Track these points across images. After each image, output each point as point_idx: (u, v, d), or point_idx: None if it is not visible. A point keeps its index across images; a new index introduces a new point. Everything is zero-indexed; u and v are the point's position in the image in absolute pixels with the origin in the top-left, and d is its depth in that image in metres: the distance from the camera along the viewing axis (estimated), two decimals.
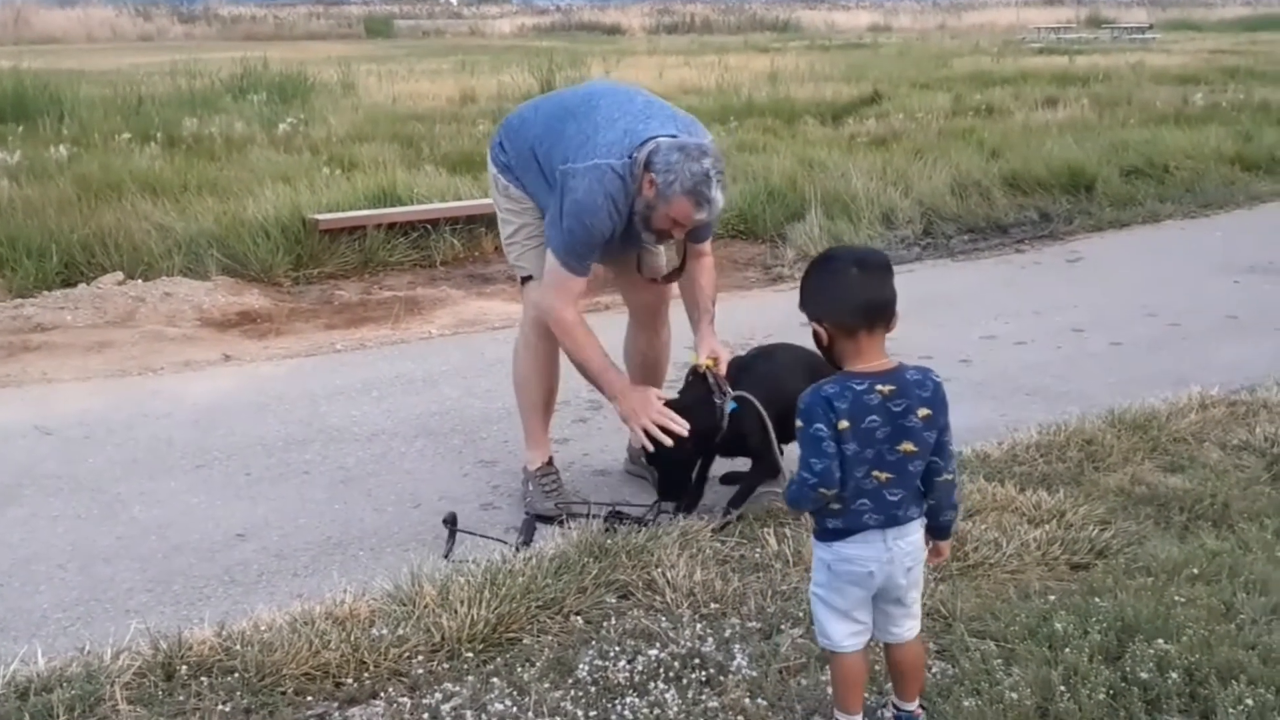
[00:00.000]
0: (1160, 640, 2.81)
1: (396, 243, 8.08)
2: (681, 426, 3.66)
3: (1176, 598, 3.08)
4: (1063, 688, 2.68)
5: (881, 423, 2.37)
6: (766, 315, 6.04)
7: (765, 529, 3.63)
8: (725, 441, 3.83)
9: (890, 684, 2.65)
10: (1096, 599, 3.10)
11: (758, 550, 3.52)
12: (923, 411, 2.41)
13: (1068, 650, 2.82)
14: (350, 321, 6.75)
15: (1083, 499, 3.87)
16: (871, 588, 2.48)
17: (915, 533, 2.51)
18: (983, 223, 9.14)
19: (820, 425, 2.35)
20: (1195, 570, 3.27)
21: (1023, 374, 5.56)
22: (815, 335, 2.48)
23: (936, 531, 2.55)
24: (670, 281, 4.04)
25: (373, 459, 4.61)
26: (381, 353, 6.11)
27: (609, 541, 3.49)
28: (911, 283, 7.44)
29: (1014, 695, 2.66)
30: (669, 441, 3.67)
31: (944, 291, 7.12)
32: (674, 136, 3.64)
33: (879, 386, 2.38)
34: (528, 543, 3.71)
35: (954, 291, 7.13)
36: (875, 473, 2.40)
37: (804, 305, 2.50)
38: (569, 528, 3.69)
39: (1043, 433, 4.50)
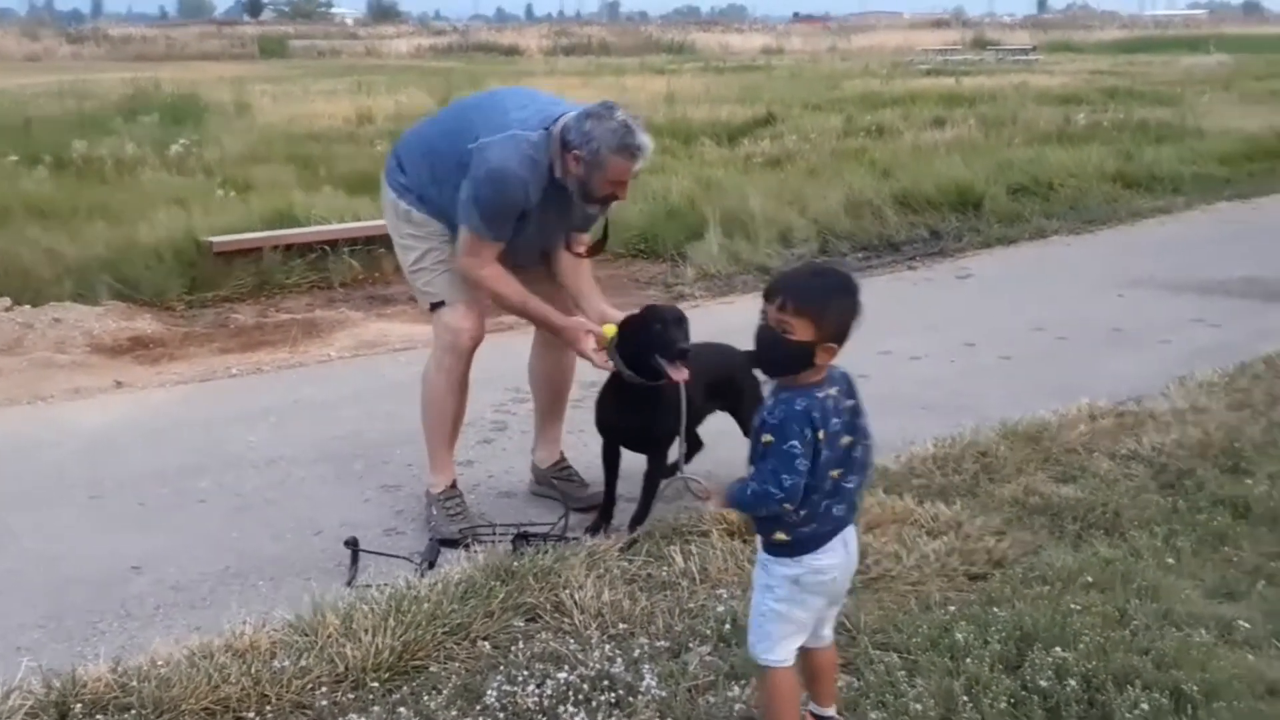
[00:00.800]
0: (1058, 648, 2.89)
1: (294, 264, 7.97)
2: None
3: (1072, 606, 3.17)
4: (965, 698, 2.74)
5: (842, 425, 2.44)
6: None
7: (671, 546, 3.65)
8: (635, 427, 3.85)
9: (808, 691, 2.67)
10: (995, 609, 3.17)
11: (664, 568, 3.53)
12: (849, 403, 2.49)
13: (969, 660, 2.89)
14: (246, 345, 6.62)
15: (979, 510, 3.97)
16: (834, 595, 2.54)
17: (857, 536, 2.57)
18: (876, 240, 9.34)
19: (795, 443, 2.36)
20: (1089, 578, 3.36)
21: (919, 388, 5.67)
22: (796, 348, 2.39)
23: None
24: (594, 254, 4.02)
25: (271, 486, 4.52)
26: (279, 377, 6.00)
27: (516, 564, 3.47)
28: None
29: (918, 706, 2.71)
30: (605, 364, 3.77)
31: None
32: None
33: (830, 391, 2.44)
34: (432, 566, 3.67)
35: None
36: (832, 471, 2.44)
37: (818, 322, 2.39)
38: (475, 551, 3.66)
39: (939, 445, 4.60)
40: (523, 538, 3.74)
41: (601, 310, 3.90)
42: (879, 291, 7.81)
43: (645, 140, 3.64)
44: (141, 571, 3.82)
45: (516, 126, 3.69)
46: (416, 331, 6.72)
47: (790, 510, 2.41)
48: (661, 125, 14.91)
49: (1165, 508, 3.93)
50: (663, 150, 12.77)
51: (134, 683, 2.89)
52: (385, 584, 3.45)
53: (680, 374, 3.63)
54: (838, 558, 2.49)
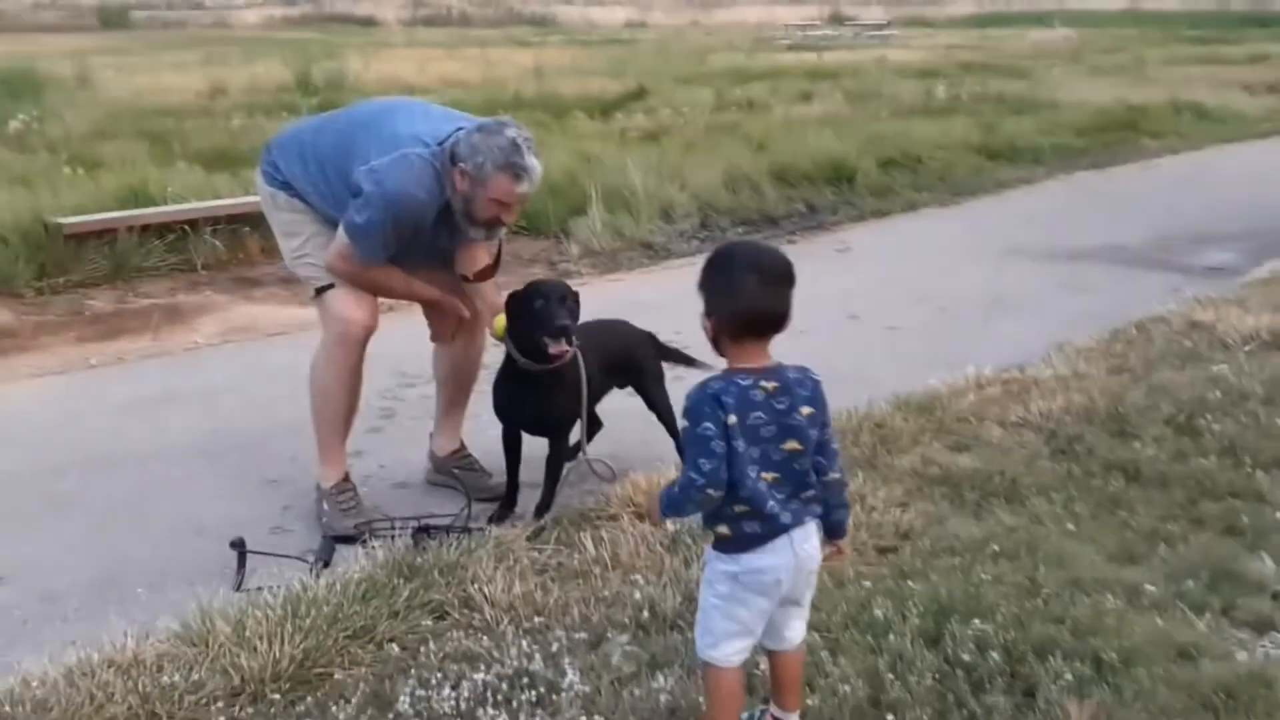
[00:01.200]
0: (976, 620, 2.88)
1: (152, 246, 7.54)
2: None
3: (983, 576, 3.17)
4: (891, 675, 2.71)
5: (767, 420, 2.32)
6: None
7: (581, 533, 3.54)
8: (534, 412, 3.72)
9: (771, 694, 2.58)
10: (909, 582, 3.15)
11: (575, 556, 3.42)
12: (805, 409, 2.37)
13: (891, 637, 2.86)
14: (105, 334, 6.25)
15: (880, 482, 3.96)
16: (778, 597, 2.42)
17: (814, 536, 2.45)
18: (755, 215, 9.34)
19: (709, 424, 2.27)
20: (996, 547, 3.38)
21: (807, 361, 5.61)
22: (704, 326, 2.40)
23: (833, 530, 2.51)
24: (484, 279, 3.85)
25: (144, 485, 4.25)
26: (143, 367, 5.68)
27: (419, 559, 3.32)
28: (693, 276, 7.50)
29: (846, 688, 2.67)
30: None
31: None
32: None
33: (763, 383, 2.33)
34: (327, 565, 3.48)
35: None
36: (764, 474, 2.33)
37: (701, 293, 2.40)
38: (373, 547, 3.49)
39: (835, 418, 4.57)
40: (423, 531, 3.58)
41: (496, 302, 3.76)
42: None
43: (534, 163, 3.48)
44: (4, 582, 3.54)
45: (407, 144, 3.51)
46: (288, 315, 6.45)
47: (716, 497, 2.31)
48: (532, 99, 14.72)
49: (1060, 474, 3.98)
50: (537, 124, 12.55)
51: (5, 707, 2.67)
52: (278, 586, 3.26)
53: (559, 348, 3.52)
54: (781, 558, 2.36)
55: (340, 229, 3.58)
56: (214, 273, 7.54)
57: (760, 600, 2.39)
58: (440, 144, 3.50)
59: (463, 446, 4.16)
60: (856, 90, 16.41)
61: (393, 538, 3.59)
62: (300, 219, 3.76)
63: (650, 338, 4.22)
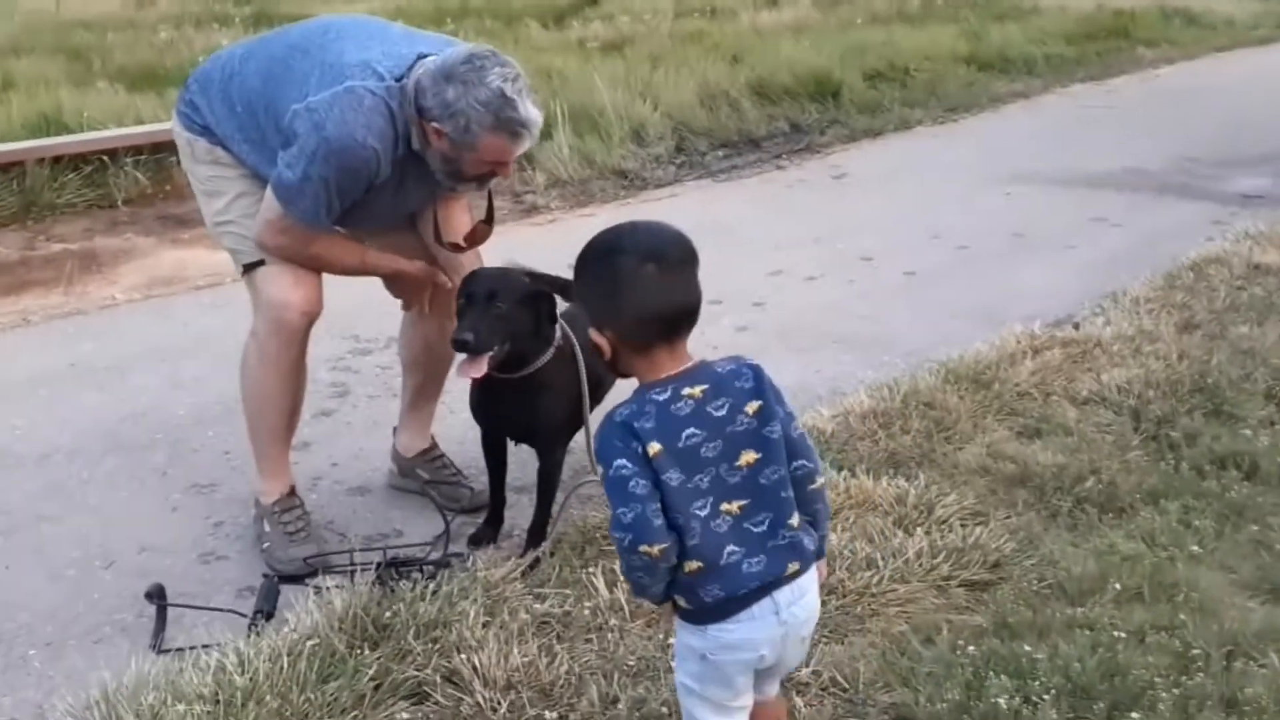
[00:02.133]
0: (1134, 717, 2.21)
1: (66, 180, 6.65)
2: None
3: (1116, 633, 2.49)
4: None
5: (704, 434, 1.80)
6: (525, 254, 5.15)
7: (590, 568, 2.82)
8: (517, 416, 2.95)
9: None
10: (1023, 644, 2.47)
11: (586, 603, 2.71)
12: (751, 406, 1.83)
13: None
14: (9, 287, 5.40)
15: (946, 484, 3.28)
16: (763, 667, 1.91)
17: (810, 589, 1.90)
18: (735, 136, 8.52)
19: (622, 461, 1.76)
20: (1118, 585, 2.70)
21: (824, 316, 4.95)
22: (594, 345, 1.88)
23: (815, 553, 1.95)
24: (479, 241, 3.03)
25: (45, 493, 3.47)
26: (51, 330, 4.84)
27: (387, 613, 2.59)
28: (677, 209, 6.75)
29: None
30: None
31: (714, 218, 6.42)
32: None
33: (686, 390, 1.81)
34: (270, 617, 2.74)
35: (725, 217, 6.45)
36: (724, 505, 1.80)
37: (580, 304, 1.93)
38: (326, 589, 2.74)
39: (873, 395, 3.89)
40: (391, 566, 2.84)
41: None
42: (752, 196, 7.06)
43: (533, 114, 2.65)
44: None
45: (356, 75, 2.67)
46: (220, 261, 5.49)
47: (654, 553, 1.75)
48: (480, 6, 13.66)
49: (1163, 472, 3.31)
50: (487, 34, 11.57)
51: None
52: (208, 648, 2.53)
53: (468, 368, 2.73)
54: (761, 630, 1.84)
55: (269, 190, 2.78)
56: (136, 208, 6.66)
57: (740, 678, 1.89)
58: (399, 79, 2.69)
59: (434, 445, 3.40)
60: None
61: (352, 574, 2.85)
62: (224, 175, 2.93)
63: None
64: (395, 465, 3.44)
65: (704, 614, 1.83)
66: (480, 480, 3.39)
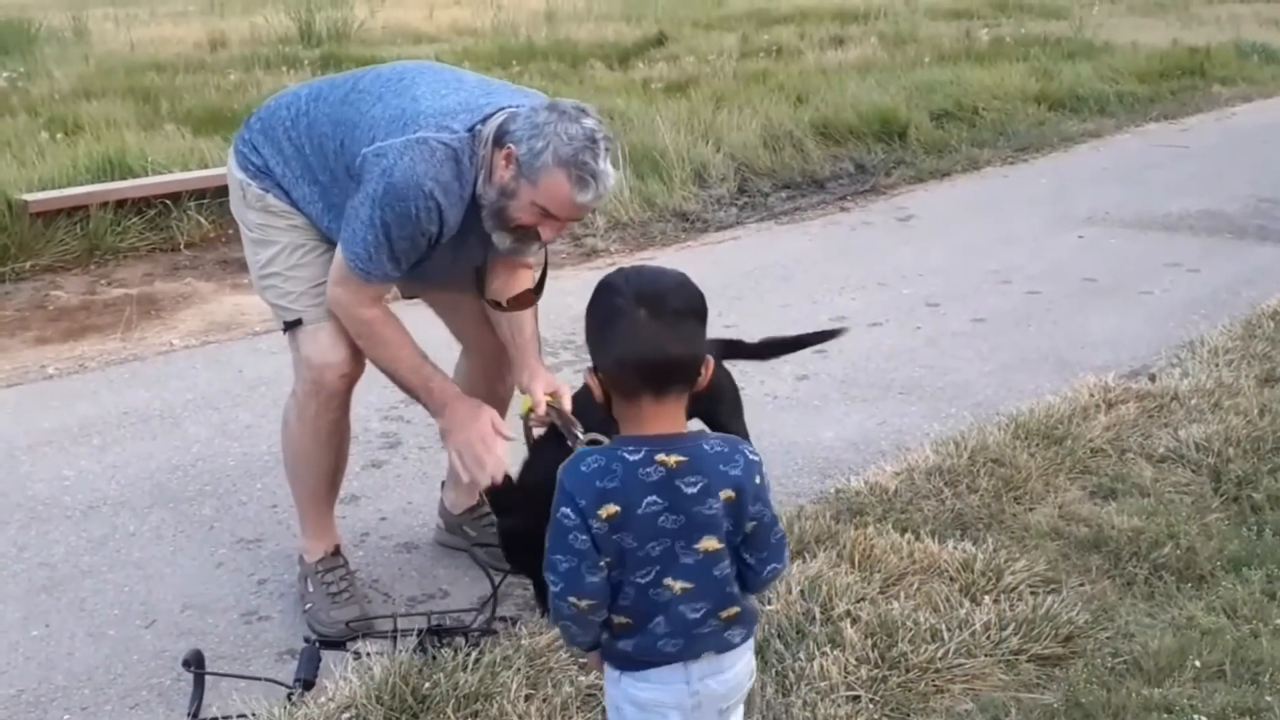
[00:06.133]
0: None
1: (129, 223, 6.71)
2: (498, 454, 2.65)
3: (1195, 717, 2.33)
4: None
5: (666, 506, 1.73)
6: (583, 301, 5.10)
7: None
8: None
9: None
10: None
11: None
12: (726, 494, 1.75)
13: None
14: (68, 333, 5.42)
15: (1015, 548, 3.12)
16: None
17: (733, 667, 1.85)
18: (799, 177, 8.40)
19: (567, 510, 1.72)
20: (1198, 664, 2.53)
21: (887, 365, 4.80)
22: (587, 386, 1.84)
23: None
24: (521, 307, 2.89)
25: (90, 547, 3.43)
26: (107, 376, 4.84)
27: (427, 683, 2.50)
28: (737, 252, 6.66)
29: None
30: (484, 479, 2.65)
31: (775, 261, 6.32)
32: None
33: (660, 456, 1.73)
34: (309, 687, 2.65)
35: (786, 261, 6.34)
36: (667, 580, 1.76)
37: (587, 342, 1.85)
38: (367, 656, 2.66)
39: (939, 451, 3.74)
40: (434, 633, 2.74)
41: (531, 371, 2.83)
42: (815, 239, 6.94)
43: (607, 170, 2.50)
44: None
45: (430, 125, 2.58)
46: None
47: (581, 607, 1.75)
48: (545, 47, 13.73)
49: (1248, 539, 3.12)
50: (551, 76, 11.63)
51: None
52: (243, 718, 2.46)
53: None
54: (672, 696, 1.80)
55: (337, 253, 2.70)
56: (198, 252, 6.70)
57: None
58: (471, 129, 2.61)
59: (481, 502, 3.30)
60: (891, 33, 15.33)
61: (394, 639, 2.76)
62: (274, 224, 2.86)
63: (722, 347, 3.02)
64: (442, 521, 3.36)
65: (620, 660, 1.82)
66: None
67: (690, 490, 1.72)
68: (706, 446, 1.76)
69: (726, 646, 1.81)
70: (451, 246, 2.71)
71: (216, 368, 4.88)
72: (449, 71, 2.86)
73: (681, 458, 1.73)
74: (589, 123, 2.49)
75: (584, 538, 1.71)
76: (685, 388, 1.77)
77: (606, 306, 1.77)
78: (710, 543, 1.75)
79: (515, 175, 2.52)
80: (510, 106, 2.60)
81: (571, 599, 1.73)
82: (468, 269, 2.88)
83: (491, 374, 3.09)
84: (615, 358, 1.75)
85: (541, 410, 2.70)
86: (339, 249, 2.70)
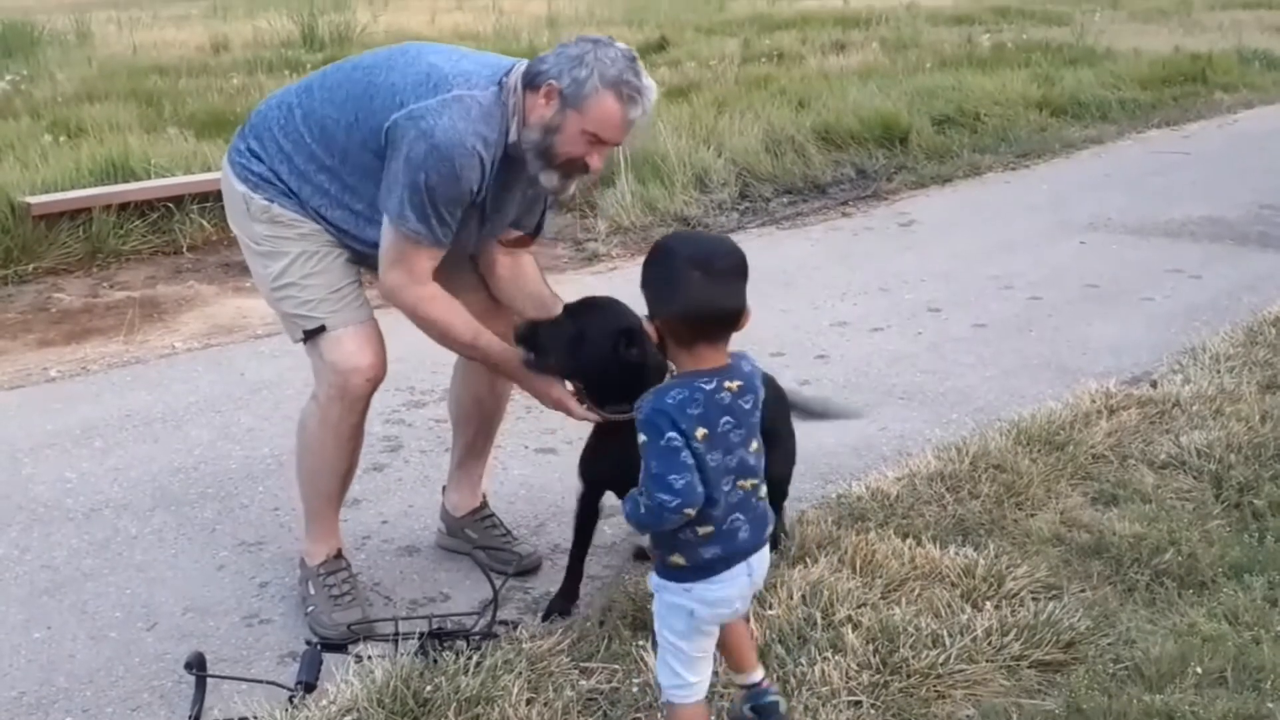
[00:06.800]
0: None
1: (132, 226, 6.72)
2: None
3: None
4: None
5: (735, 424, 2.12)
6: None
7: (641, 641, 2.70)
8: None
9: (728, 665, 2.43)
10: None
11: (635, 679, 2.59)
12: (757, 400, 2.20)
13: None
14: (71, 335, 5.42)
15: (1016, 554, 3.12)
16: (734, 618, 2.28)
17: (766, 541, 2.25)
18: (800, 182, 8.40)
19: (674, 435, 2.05)
20: (1199, 670, 2.53)
21: (889, 370, 4.81)
22: (649, 329, 2.17)
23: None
24: (519, 246, 2.95)
25: (92, 549, 3.43)
26: (110, 379, 4.84)
27: (428, 686, 2.50)
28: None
29: None
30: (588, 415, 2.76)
31: (777, 266, 6.32)
32: None
33: (728, 383, 2.12)
34: (311, 689, 2.65)
35: (787, 266, 6.34)
36: (740, 481, 2.15)
37: (643, 292, 2.17)
38: (368, 659, 2.66)
39: (940, 456, 3.74)
40: (436, 636, 2.74)
41: (538, 291, 2.94)
42: (816, 244, 6.94)
43: (650, 84, 2.61)
44: None
45: (460, 84, 2.61)
46: None
47: (690, 517, 2.07)
48: (546, 51, 13.74)
49: (1249, 545, 3.12)
50: None
51: None
52: None
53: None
54: (737, 588, 2.18)
55: (384, 226, 2.69)
56: (200, 255, 6.71)
57: (716, 629, 2.24)
58: (500, 83, 2.63)
59: (484, 505, 3.32)
60: (893, 39, 15.34)
61: (395, 642, 2.76)
62: (283, 235, 2.84)
63: (774, 384, 3.01)
64: (444, 524, 3.36)
65: (695, 571, 2.13)
66: (530, 542, 3.32)
67: (746, 406, 2.13)
68: (745, 369, 2.16)
69: (766, 521, 2.20)
70: (479, 210, 2.73)
71: (218, 371, 4.88)
72: (446, 46, 2.88)
73: (739, 382, 2.12)
74: (621, 46, 2.62)
75: (689, 456, 2.03)
76: (732, 331, 2.12)
77: (665, 268, 2.11)
78: (756, 444, 2.16)
79: (560, 109, 2.58)
80: (523, 61, 2.67)
81: (688, 510, 2.04)
82: (484, 235, 2.88)
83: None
84: (676, 314, 2.08)
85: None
86: (384, 227, 2.69)
